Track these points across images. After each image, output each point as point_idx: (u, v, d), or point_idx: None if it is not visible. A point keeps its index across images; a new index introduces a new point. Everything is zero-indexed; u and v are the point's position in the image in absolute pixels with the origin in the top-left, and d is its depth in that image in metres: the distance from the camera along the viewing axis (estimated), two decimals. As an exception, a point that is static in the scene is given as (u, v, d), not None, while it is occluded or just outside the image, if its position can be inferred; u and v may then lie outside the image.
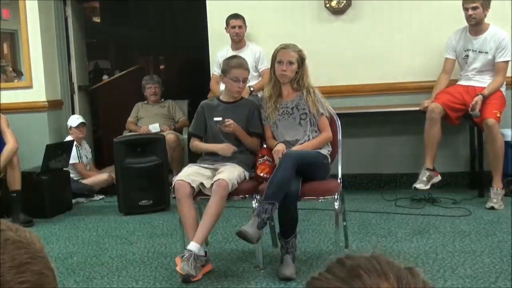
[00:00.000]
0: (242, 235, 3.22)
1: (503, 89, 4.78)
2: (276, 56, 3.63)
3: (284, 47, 3.64)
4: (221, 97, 3.89)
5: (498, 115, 4.59)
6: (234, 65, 3.70)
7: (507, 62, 4.70)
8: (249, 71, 3.79)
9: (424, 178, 4.68)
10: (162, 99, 6.30)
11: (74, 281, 3.40)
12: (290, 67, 3.59)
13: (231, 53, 5.42)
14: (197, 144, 3.81)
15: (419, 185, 4.66)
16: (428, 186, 4.67)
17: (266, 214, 3.20)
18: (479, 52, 4.75)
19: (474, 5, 4.60)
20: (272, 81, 3.70)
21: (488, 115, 4.56)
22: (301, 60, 3.61)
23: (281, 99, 3.68)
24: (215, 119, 3.66)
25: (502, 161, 4.64)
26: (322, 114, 3.63)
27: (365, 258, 0.75)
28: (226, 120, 3.62)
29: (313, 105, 3.60)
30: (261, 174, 3.54)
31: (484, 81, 4.75)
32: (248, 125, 3.73)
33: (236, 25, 5.37)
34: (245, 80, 3.72)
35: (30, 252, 0.81)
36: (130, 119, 6.19)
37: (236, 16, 5.40)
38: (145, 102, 6.27)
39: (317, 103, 3.61)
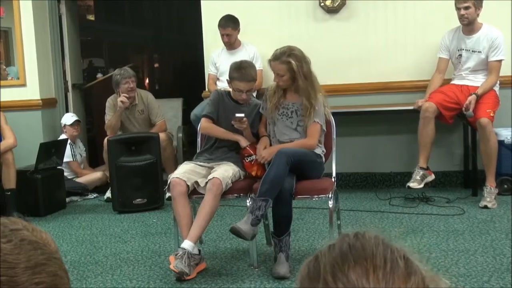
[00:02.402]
0: (235, 232, 3.22)
1: (496, 88, 4.79)
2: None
3: (273, 59, 3.55)
4: (232, 94, 3.80)
5: (491, 114, 4.61)
6: (237, 77, 3.63)
7: (500, 61, 4.71)
8: (255, 81, 3.71)
9: (418, 177, 4.69)
10: (136, 101, 5.57)
11: (68, 280, 3.38)
12: (281, 78, 3.56)
13: (225, 52, 5.42)
14: (211, 127, 3.72)
15: (412, 184, 4.67)
16: (421, 185, 4.68)
17: (259, 211, 3.20)
18: (472, 51, 4.77)
19: (466, 4, 4.61)
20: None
21: (482, 114, 4.57)
22: (294, 69, 3.49)
23: (283, 99, 3.66)
24: (237, 115, 3.59)
25: (495, 160, 4.65)
26: (315, 121, 3.55)
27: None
28: (244, 118, 3.59)
29: (309, 116, 3.53)
30: (255, 174, 3.55)
31: (477, 80, 4.77)
32: (252, 126, 3.72)
33: (224, 34, 5.33)
34: (249, 91, 3.68)
35: (46, 253, 0.81)
36: (108, 123, 5.53)
37: (224, 24, 5.32)
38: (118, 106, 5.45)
39: (312, 115, 3.53)
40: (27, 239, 0.80)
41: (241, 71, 3.65)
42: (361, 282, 0.69)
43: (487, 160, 4.64)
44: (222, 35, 5.35)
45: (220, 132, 3.72)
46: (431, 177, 4.77)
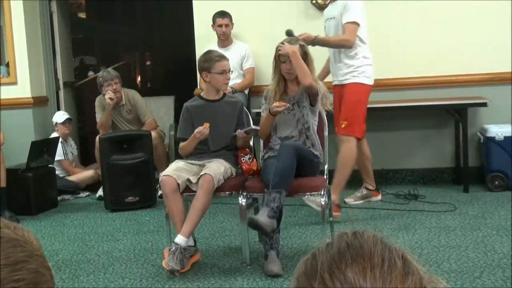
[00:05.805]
0: (253, 224, 3.16)
1: (366, 80, 4.33)
2: (280, 58, 3.60)
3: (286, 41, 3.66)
4: (203, 95, 3.79)
5: (343, 126, 4.28)
6: (217, 58, 3.63)
7: (352, 22, 4.19)
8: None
9: (359, 194, 4.72)
10: (123, 101, 5.58)
11: (60, 279, 3.38)
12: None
13: (217, 49, 5.40)
14: (184, 145, 3.69)
15: (349, 200, 4.69)
16: (359, 202, 4.69)
17: (275, 202, 3.17)
18: (330, 19, 4.40)
19: None
20: (276, 78, 3.66)
21: (338, 130, 4.34)
22: (304, 54, 3.56)
23: (285, 94, 3.65)
24: (253, 127, 3.62)
25: (346, 172, 4.27)
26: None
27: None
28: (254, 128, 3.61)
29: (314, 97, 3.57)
30: (256, 168, 3.57)
31: (340, 73, 4.39)
32: (240, 124, 3.71)
33: (222, 23, 5.34)
34: (229, 71, 3.68)
35: (26, 251, 0.81)
36: (99, 122, 5.53)
37: (222, 14, 5.36)
38: (106, 104, 5.45)
39: (318, 97, 3.57)
40: (6, 237, 0.81)
41: (215, 53, 3.73)
42: (358, 281, 0.69)
43: (339, 170, 4.30)
44: (219, 26, 5.35)
45: (187, 142, 3.65)
46: (377, 198, 4.75)
